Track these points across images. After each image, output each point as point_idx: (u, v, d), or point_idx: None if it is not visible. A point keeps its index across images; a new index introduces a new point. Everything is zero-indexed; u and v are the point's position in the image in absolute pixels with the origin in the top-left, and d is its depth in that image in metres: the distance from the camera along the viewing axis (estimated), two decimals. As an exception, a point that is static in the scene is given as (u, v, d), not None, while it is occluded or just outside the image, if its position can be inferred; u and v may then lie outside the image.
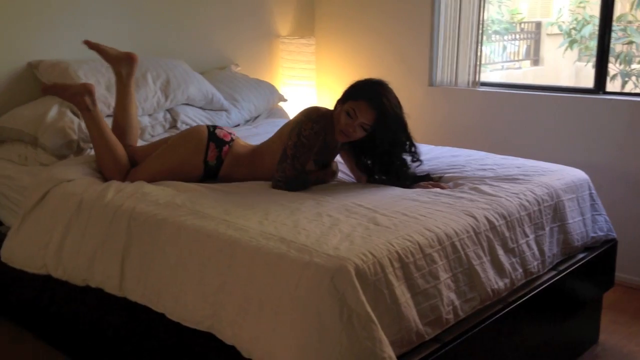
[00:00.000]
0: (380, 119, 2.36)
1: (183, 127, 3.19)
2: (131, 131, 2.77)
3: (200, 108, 3.37)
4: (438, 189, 2.43)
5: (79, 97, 2.60)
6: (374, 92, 2.39)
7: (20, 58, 3.03)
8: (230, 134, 2.63)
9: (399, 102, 2.44)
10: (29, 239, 2.47)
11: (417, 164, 2.54)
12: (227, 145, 2.57)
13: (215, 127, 2.63)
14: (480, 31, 3.77)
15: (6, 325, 2.97)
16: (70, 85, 2.68)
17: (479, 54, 3.80)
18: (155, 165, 2.55)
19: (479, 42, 3.78)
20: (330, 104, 2.57)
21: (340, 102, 2.46)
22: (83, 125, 2.80)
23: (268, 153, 2.54)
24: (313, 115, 2.42)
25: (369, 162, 2.56)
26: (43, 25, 3.07)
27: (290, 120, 2.57)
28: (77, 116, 2.85)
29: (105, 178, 2.58)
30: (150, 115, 3.13)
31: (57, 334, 2.73)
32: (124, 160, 2.60)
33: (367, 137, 2.43)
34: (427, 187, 2.46)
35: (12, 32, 2.98)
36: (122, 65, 2.75)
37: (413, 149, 2.50)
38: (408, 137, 2.48)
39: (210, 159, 2.54)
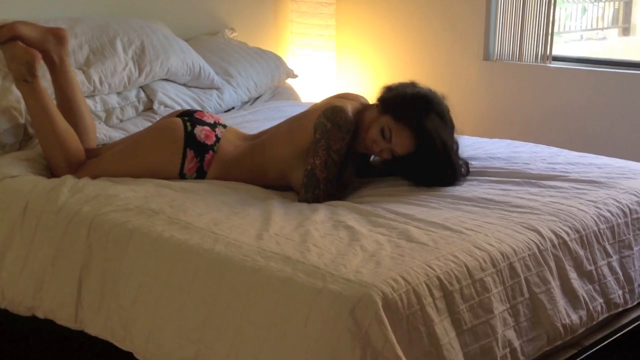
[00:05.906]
0: (422, 152, 2.40)
1: (161, 110, 3.20)
2: (84, 129, 2.74)
3: (184, 85, 3.39)
4: None
5: (14, 63, 2.56)
6: (423, 118, 2.39)
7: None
8: (214, 129, 2.57)
9: (452, 128, 2.48)
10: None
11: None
12: (210, 152, 2.52)
13: (193, 119, 2.56)
14: (553, -10, 3.75)
15: None
16: (16, 44, 2.57)
17: (551, 19, 3.77)
18: (119, 167, 2.54)
19: (551, 5, 3.75)
20: (354, 84, 2.55)
21: (382, 108, 2.44)
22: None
23: (271, 147, 2.52)
24: (342, 122, 2.38)
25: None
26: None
27: (310, 112, 2.53)
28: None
29: (52, 172, 2.59)
30: (119, 93, 3.14)
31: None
32: (76, 151, 2.60)
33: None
34: None
35: None
36: (49, 46, 2.66)
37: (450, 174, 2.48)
38: (450, 164, 2.47)
39: (188, 172, 2.51)
